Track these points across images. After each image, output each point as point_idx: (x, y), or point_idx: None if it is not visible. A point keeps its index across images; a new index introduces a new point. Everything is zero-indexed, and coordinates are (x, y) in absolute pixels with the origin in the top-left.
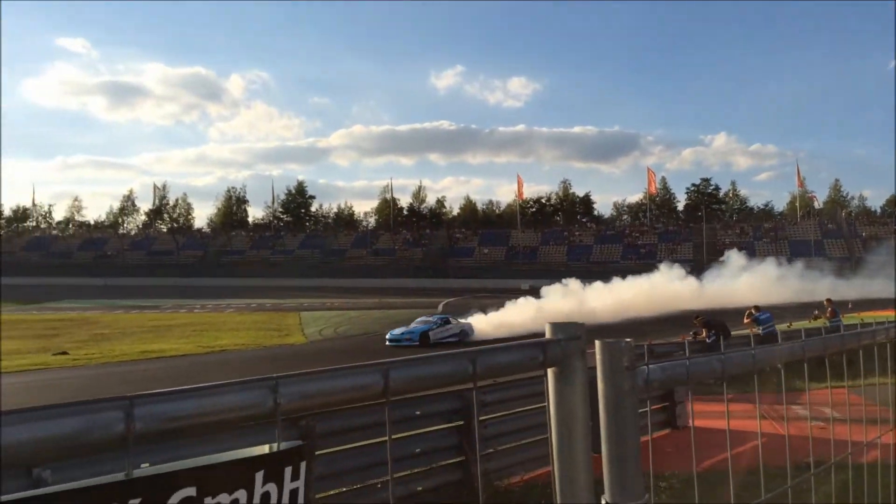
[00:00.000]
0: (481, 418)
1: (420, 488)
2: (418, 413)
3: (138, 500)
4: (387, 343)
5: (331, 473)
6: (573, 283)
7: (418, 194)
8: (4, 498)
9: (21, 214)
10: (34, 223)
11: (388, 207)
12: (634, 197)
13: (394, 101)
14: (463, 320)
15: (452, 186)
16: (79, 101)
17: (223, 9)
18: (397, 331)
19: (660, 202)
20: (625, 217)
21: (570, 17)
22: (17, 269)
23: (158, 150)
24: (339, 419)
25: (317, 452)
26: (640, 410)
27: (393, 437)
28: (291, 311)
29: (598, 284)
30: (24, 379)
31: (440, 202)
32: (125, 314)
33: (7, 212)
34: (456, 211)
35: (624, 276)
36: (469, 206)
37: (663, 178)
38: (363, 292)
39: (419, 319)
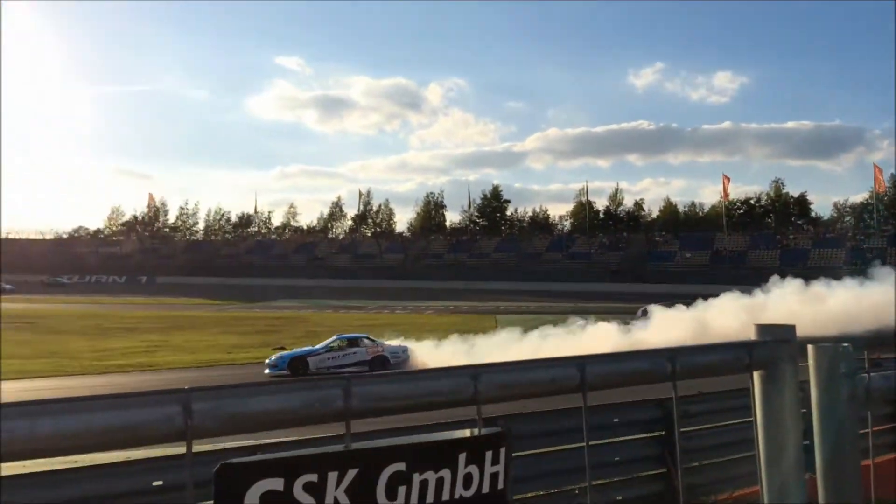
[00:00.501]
0: (685, 430)
1: (619, 497)
2: (616, 420)
3: (356, 471)
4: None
5: (527, 476)
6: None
7: (615, 197)
8: (238, 460)
9: (245, 221)
10: (256, 229)
11: (583, 210)
12: (858, 196)
13: (590, 103)
14: (394, 343)
15: (651, 188)
16: (294, 114)
17: (424, 20)
18: (275, 356)
19: (888, 202)
20: (847, 219)
21: (780, 5)
22: (241, 271)
23: (363, 158)
24: (534, 422)
25: (513, 455)
26: (862, 431)
27: (591, 443)
28: (488, 313)
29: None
30: (250, 370)
31: (638, 204)
32: (334, 313)
33: (233, 218)
34: (655, 213)
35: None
36: (669, 208)
37: (892, 176)
38: (558, 296)
39: (330, 340)
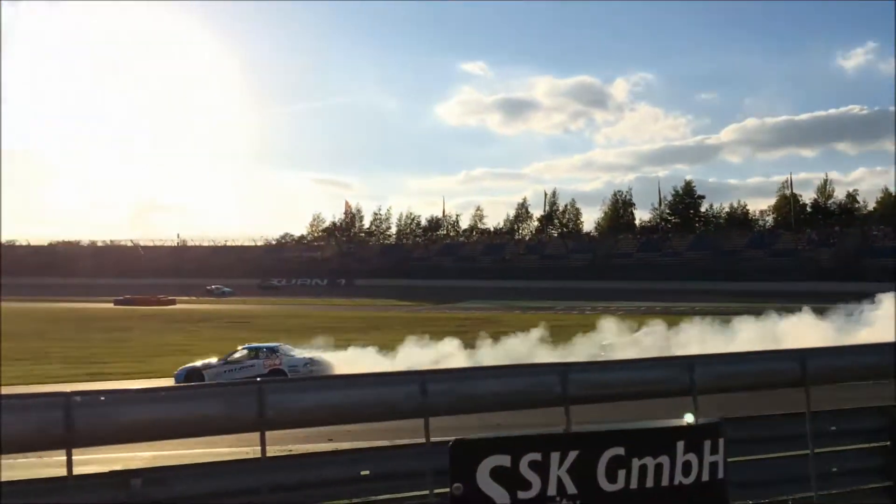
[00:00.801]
0: None
1: None
2: (833, 429)
3: (576, 452)
4: None
5: (742, 482)
6: None
7: (824, 188)
8: (470, 437)
9: (434, 224)
10: (445, 232)
11: (787, 204)
12: None
13: (792, 89)
14: (307, 354)
15: (866, 178)
16: (478, 118)
17: (607, 15)
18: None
19: None
20: None
21: None
22: (431, 273)
23: (548, 158)
24: (750, 429)
25: (729, 460)
26: None
27: (809, 451)
28: (683, 314)
29: None
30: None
31: (852, 196)
32: (522, 314)
33: (423, 221)
34: (872, 205)
35: None
36: (888, 200)
37: None
38: (761, 296)
39: (236, 350)
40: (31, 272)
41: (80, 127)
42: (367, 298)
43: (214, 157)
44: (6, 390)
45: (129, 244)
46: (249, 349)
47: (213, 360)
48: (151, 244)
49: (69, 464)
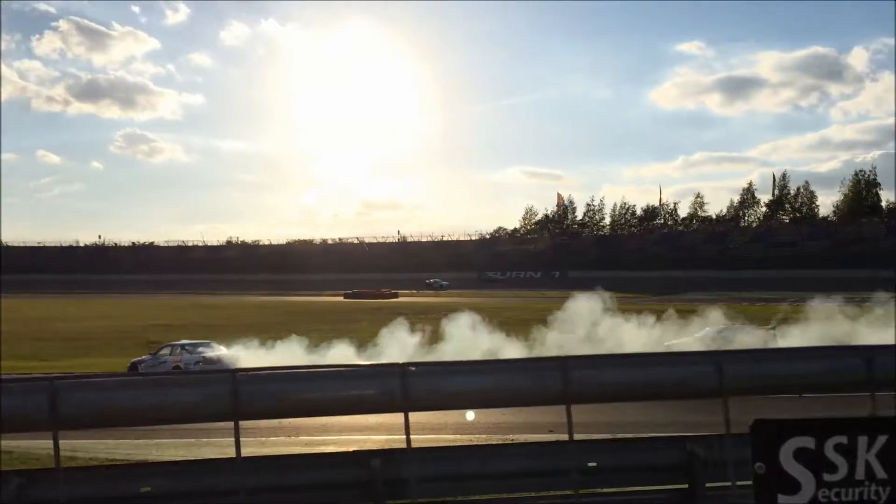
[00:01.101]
0: None
1: None
2: None
3: (885, 437)
4: None
5: None
6: None
7: None
8: (771, 419)
9: (650, 213)
10: (662, 221)
11: None
12: None
13: None
14: (211, 353)
15: None
16: (695, 100)
17: None
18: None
19: None
20: None
21: None
22: (649, 264)
23: (775, 138)
24: None
25: None
26: None
27: None
28: None
29: None
30: None
31: None
32: (749, 306)
33: (639, 211)
34: None
35: None
36: None
37: None
38: None
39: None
40: (270, 269)
41: (307, 132)
42: (581, 291)
43: (429, 156)
44: None
45: (356, 241)
46: (169, 346)
47: (147, 356)
48: (375, 241)
49: (406, 429)
